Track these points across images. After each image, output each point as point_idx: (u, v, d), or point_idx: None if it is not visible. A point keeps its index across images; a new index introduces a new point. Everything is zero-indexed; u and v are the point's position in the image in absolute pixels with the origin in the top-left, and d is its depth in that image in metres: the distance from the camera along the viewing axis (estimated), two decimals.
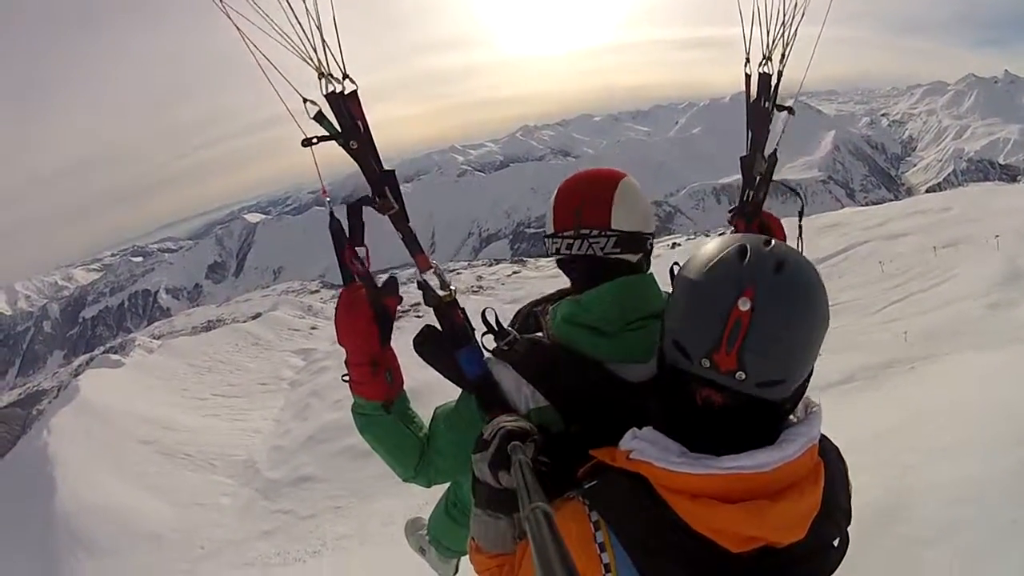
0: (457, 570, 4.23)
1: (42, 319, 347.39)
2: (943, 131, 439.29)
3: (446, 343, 2.65)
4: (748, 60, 3.22)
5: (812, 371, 1.96)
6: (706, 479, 1.82)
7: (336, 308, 2.67)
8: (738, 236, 1.95)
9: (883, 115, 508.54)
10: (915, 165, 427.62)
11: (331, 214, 2.66)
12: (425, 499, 18.68)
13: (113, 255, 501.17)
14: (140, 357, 43.16)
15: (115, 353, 52.43)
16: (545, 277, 54.25)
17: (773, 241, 1.88)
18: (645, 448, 1.94)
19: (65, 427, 27.58)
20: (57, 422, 28.07)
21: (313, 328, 49.81)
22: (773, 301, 1.76)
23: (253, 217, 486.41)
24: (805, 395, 2.05)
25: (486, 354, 2.63)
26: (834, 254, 34.80)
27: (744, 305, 1.74)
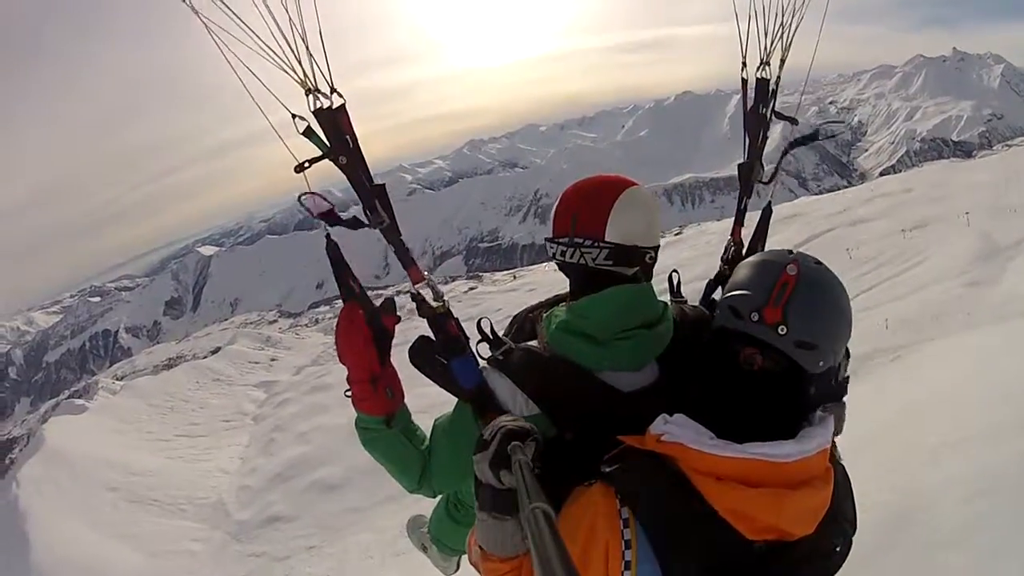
0: (459, 567, 4.28)
1: (7, 366, 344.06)
2: (893, 114, 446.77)
3: (440, 353, 2.69)
4: (745, 64, 3.28)
5: (835, 372, 2.22)
6: (734, 462, 1.96)
7: (336, 327, 2.76)
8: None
9: (831, 103, 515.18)
10: (867, 150, 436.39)
11: (328, 237, 2.73)
12: (398, 531, 18.26)
13: (72, 296, 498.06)
14: (104, 400, 42.57)
15: (79, 397, 51.70)
16: (502, 292, 53.86)
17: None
18: (678, 431, 2.08)
19: (33, 478, 27.10)
20: (25, 474, 27.57)
21: (273, 360, 49.36)
22: (813, 276, 2.12)
23: (207, 250, 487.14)
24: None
25: (482, 363, 2.66)
26: (798, 245, 34.33)
27: (792, 271, 2.09)
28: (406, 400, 2.88)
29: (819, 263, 2.16)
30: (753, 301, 2.10)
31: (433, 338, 2.72)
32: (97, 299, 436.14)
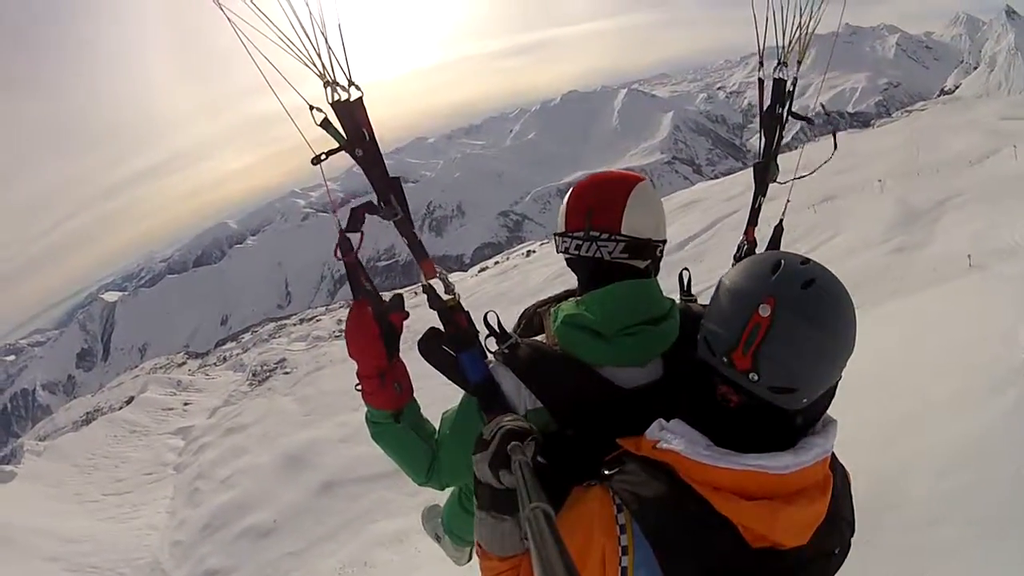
0: (471, 558, 3.97)
1: None
2: None
3: (449, 346, 2.65)
4: (761, 64, 3.25)
5: (833, 391, 2.03)
6: (729, 473, 1.90)
7: (346, 323, 2.76)
8: (778, 252, 2.19)
9: (719, 88, 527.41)
10: (759, 131, 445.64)
11: (340, 232, 2.72)
12: (337, 572, 17.80)
13: None
14: (30, 464, 41.93)
15: (7, 463, 50.71)
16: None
17: (811, 261, 1.96)
18: (673, 439, 2.01)
19: None
20: None
21: (186, 404, 48.98)
22: (793, 313, 1.85)
23: (111, 296, 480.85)
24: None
25: (490, 357, 2.63)
26: (701, 232, 34.34)
27: (764, 311, 1.86)
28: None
29: (809, 284, 1.89)
30: (723, 342, 1.96)
31: (443, 330, 2.68)
32: (12, 358, 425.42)
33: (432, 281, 2.68)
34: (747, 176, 3.50)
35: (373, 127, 2.60)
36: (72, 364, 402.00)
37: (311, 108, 2.46)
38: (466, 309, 2.70)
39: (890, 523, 5.58)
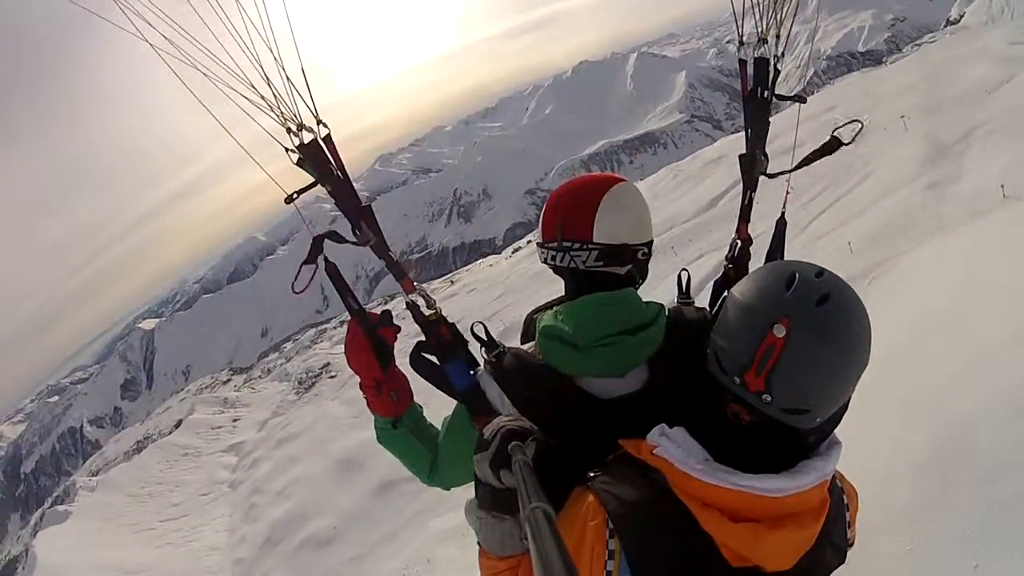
0: None
1: None
2: (793, 38, 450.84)
3: (435, 357, 2.81)
4: (741, 43, 3.18)
5: (845, 408, 2.00)
6: (719, 491, 1.90)
7: (344, 341, 2.92)
8: (792, 262, 2.06)
9: (728, 42, 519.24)
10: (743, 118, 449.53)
11: (326, 259, 2.91)
12: (402, 573, 17.73)
13: (32, 401, 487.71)
14: (84, 500, 42.28)
15: (61, 503, 51.31)
16: (442, 300, 54.14)
17: (826, 272, 1.94)
18: (670, 448, 2.02)
19: None
20: None
21: (235, 420, 49.20)
22: (808, 333, 1.82)
23: (148, 324, 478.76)
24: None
25: (482, 365, 2.71)
26: (730, 187, 34.12)
27: (779, 333, 1.82)
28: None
29: (824, 300, 1.84)
30: (735, 362, 1.93)
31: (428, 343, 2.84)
32: (55, 398, 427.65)
33: (413, 297, 2.88)
34: (772, 125, 3.26)
35: (344, 158, 2.83)
36: (117, 396, 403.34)
37: (286, 150, 2.72)
38: (450, 321, 2.88)
39: (960, 477, 5.38)
